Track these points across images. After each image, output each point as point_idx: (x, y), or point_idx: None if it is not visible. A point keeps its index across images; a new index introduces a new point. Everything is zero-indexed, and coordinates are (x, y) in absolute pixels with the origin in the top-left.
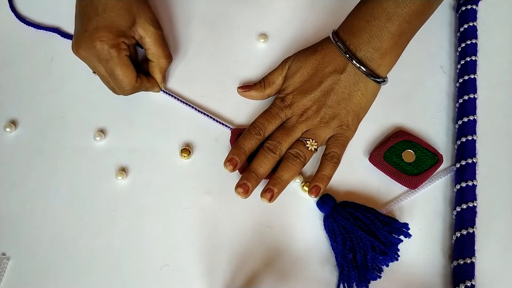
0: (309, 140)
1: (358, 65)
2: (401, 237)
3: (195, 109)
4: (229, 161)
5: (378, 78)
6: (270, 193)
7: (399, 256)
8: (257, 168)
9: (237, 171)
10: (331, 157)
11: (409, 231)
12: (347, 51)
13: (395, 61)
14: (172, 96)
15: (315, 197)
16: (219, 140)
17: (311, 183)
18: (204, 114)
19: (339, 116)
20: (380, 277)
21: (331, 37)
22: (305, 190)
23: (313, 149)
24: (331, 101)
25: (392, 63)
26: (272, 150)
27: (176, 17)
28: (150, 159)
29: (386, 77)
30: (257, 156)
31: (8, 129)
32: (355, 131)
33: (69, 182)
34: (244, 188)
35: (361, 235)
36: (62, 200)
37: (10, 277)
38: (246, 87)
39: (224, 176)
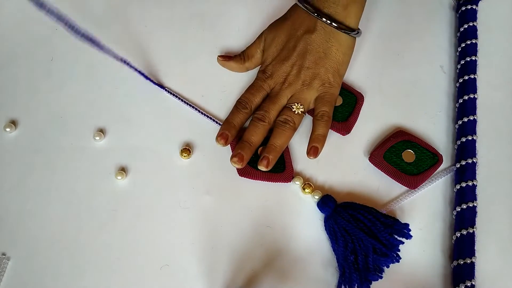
0: (294, 105)
1: (325, 20)
2: (402, 239)
3: (195, 109)
4: (220, 136)
5: (349, 31)
6: (265, 160)
7: (400, 258)
8: (249, 138)
9: (238, 176)
10: (321, 116)
11: (410, 232)
12: (312, 10)
13: (361, 10)
14: (172, 94)
15: (314, 157)
16: None
17: (308, 145)
18: (204, 114)
19: (319, 75)
20: (381, 277)
21: (296, 1)
22: (305, 192)
23: (299, 112)
24: (308, 62)
25: (358, 13)
26: (260, 119)
27: (176, 17)
28: (150, 159)
29: (359, 29)
30: (248, 127)
31: (8, 129)
32: (339, 87)
33: (69, 182)
34: (238, 157)
35: (363, 237)
36: (62, 200)
37: (10, 277)
38: (226, 57)
39: (224, 176)
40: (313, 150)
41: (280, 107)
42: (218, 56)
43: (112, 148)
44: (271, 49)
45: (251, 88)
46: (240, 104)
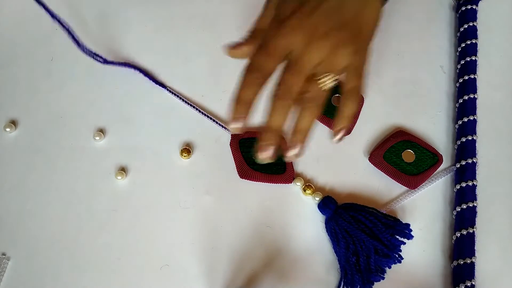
0: (325, 77)
1: None
2: (404, 239)
3: (195, 109)
4: (234, 120)
5: None
6: (297, 148)
7: (402, 258)
8: (272, 125)
9: (238, 176)
10: (351, 92)
11: (411, 233)
12: None
13: None
14: (173, 94)
15: (340, 141)
16: (219, 141)
17: (334, 127)
18: (205, 115)
19: (353, 39)
20: (383, 278)
21: None
22: (306, 193)
23: (331, 86)
24: (343, 17)
25: None
26: (283, 98)
27: (176, 17)
28: (150, 159)
29: None
30: (269, 110)
31: (8, 129)
32: (369, 58)
33: (69, 182)
34: (266, 150)
35: (364, 239)
36: (62, 200)
37: (10, 277)
38: (236, 45)
39: (224, 176)
40: (346, 131)
41: (304, 77)
42: (228, 48)
43: (112, 148)
44: (287, 4)
45: (264, 48)
46: (251, 72)
